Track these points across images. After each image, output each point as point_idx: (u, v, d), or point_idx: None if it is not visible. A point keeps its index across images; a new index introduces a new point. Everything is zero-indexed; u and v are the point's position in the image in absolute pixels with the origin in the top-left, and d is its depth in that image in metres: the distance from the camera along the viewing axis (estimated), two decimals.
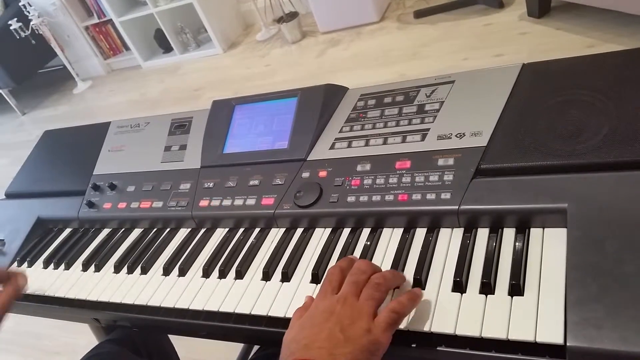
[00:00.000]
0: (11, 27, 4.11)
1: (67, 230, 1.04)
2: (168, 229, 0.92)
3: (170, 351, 1.13)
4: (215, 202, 0.86)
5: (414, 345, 0.58)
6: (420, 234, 0.70)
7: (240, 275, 0.76)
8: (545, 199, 0.61)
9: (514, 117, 0.71)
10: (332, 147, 0.82)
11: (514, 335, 0.53)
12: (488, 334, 0.54)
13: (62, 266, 0.94)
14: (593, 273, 0.52)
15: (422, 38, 2.87)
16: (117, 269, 0.88)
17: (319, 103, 0.87)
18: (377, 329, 0.55)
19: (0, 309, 0.72)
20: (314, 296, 0.67)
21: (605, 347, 0.47)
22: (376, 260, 0.69)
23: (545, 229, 0.62)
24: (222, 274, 0.77)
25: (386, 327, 0.55)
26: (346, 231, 0.76)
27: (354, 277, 0.60)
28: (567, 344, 0.49)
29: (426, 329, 0.57)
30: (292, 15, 3.47)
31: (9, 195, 1.15)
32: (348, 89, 0.91)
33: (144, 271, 0.85)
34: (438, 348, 0.57)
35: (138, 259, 0.87)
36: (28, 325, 2.15)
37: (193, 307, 0.74)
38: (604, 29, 2.22)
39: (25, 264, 0.99)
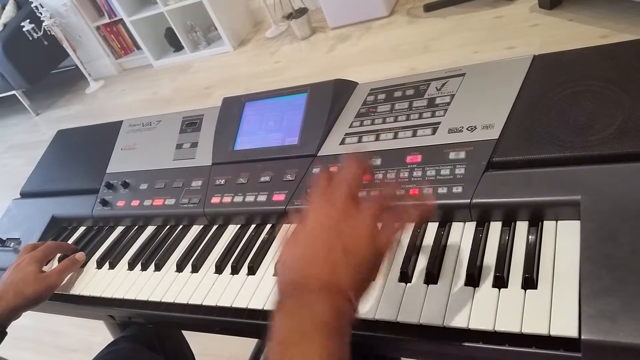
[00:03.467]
0: (24, 29, 4.16)
1: (81, 229, 1.05)
2: (181, 226, 0.93)
3: (185, 347, 1.14)
4: (227, 199, 0.87)
5: (450, 343, 0.58)
6: (432, 228, 0.69)
7: (252, 271, 0.76)
8: (558, 191, 0.60)
9: (526, 109, 0.70)
10: (342, 143, 0.82)
11: (528, 329, 0.52)
12: (502, 327, 0.54)
13: None
14: (607, 265, 0.51)
15: (432, 32, 2.86)
16: (131, 266, 0.88)
17: (328, 98, 0.87)
18: (381, 238, 0.52)
19: (58, 272, 0.88)
20: None
21: (621, 340, 0.46)
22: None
23: (559, 222, 0.61)
24: (235, 270, 0.78)
25: (390, 235, 0.53)
26: None
27: (346, 177, 0.55)
28: (582, 337, 0.48)
29: (439, 323, 0.57)
30: (302, 12, 3.47)
31: (24, 195, 1.16)
32: (358, 83, 0.90)
33: (158, 268, 0.85)
34: (450, 342, 0.57)
35: (152, 256, 0.88)
36: (44, 322, 2.18)
37: (206, 303, 0.75)
38: (617, 19, 2.19)
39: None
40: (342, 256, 0.50)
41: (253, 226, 0.85)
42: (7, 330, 0.84)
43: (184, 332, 1.16)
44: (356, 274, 0.50)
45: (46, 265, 0.94)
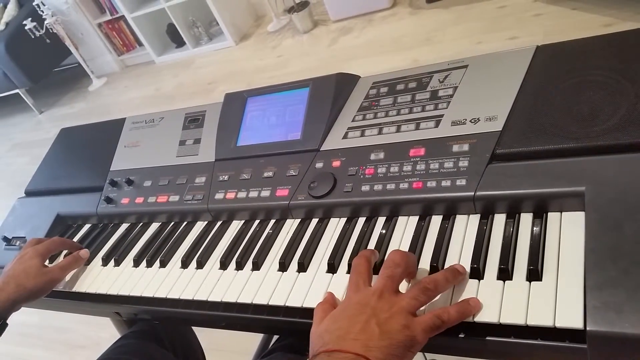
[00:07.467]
0: (26, 27, 4.16)
1: (86, 226, 1.06)
2: (185, 223, 0.93)
3: (194, 342, 1.14)
4: (231, 195, 0.87)
5: (454, 336, 0.57)
6: (436, 221, 0.69)
7: (257, 266, 0.76)
8: (563, 182, 0.60)
9: (529, 100, 0.70)
10: (345, 137, 0.82)
11: (533, 321, 0.52)
12: (507, 320, 0.54)
13: None
14: (612, 256, 0.51)
15: (434, 23, 2.84)
16: (137, 262, 0.89)
17: (330, 92, 0.87)
18: (416, 327, 0.54)
19: (61, 268, 0.89)
20: (332, 287, 0.67)
21: (626, 331, 0.46)
22: (392, 249, 0.69)
23: (563, 213, 0.61)
24: (239, 266, 0.78)
25: (426, 328, 0.54)
26: (361, 220, 0.76)
27: (389, 271, 0.59)
28: (587, 328, 0.48)
29: None
30: (303, 5, 3.46)
31: (29, 193, 1.17)
32: (360, 77, 0.90)
33: (163, 264, 0.86)
34: (455, 335, 0.57)
35: (156, 253, 0.88)
36: (52, 320, 2.20)
37: (211, 298, 0.75)
38: (622, 7, 2.17)
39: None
40: (376, 332, 0.53)
41: (257, 222, 0.85)
42: (8, 322, 0.84)
43: (193, 327, 1.16)
44: (389, 354, 0.52)
45: (52, 263, 0.94)
